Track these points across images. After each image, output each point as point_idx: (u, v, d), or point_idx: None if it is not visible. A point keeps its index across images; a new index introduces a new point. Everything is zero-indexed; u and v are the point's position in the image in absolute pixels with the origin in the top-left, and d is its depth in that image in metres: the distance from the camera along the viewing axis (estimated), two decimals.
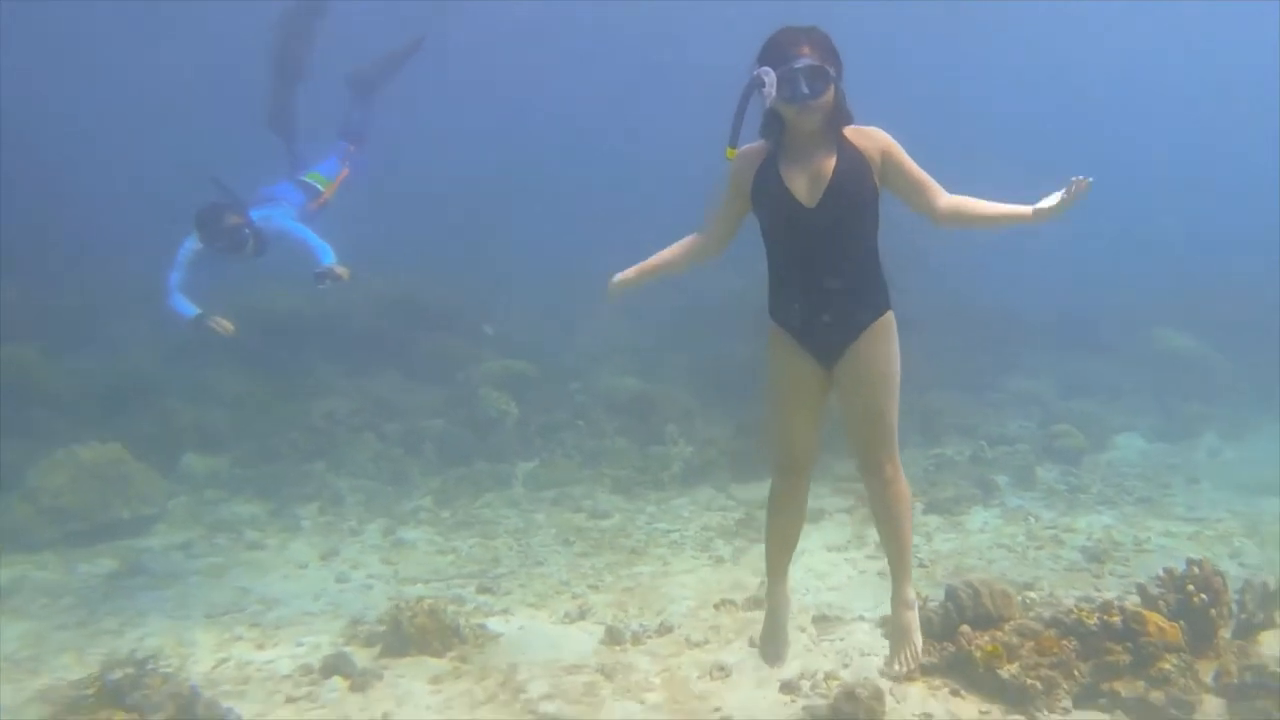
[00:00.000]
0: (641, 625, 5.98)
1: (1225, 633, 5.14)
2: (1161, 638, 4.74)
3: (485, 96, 33.53)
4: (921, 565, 7.10)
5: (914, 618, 4.16)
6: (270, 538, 8.52)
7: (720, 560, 7.44)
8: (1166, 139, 32.44)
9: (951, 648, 5.05)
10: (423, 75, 10.79)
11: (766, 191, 3.69)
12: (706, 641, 5.71)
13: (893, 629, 4.22)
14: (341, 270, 6.96)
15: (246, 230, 7.09)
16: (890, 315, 3.78)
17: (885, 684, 4.91)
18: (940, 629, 5.22)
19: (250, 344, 10.99)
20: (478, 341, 13.92)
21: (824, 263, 3.68)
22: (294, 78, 8.64)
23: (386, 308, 13.90)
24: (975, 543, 7.78)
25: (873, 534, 7.84)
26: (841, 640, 5.64)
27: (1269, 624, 5.25)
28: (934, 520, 8.35)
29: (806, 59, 3.45)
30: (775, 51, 3.50)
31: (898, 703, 4.78)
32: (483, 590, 6.82)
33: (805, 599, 6.40)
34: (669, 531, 8.31)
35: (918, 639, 4.15)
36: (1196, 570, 5.15)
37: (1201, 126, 33.27)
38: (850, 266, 3.71)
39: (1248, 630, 5.23)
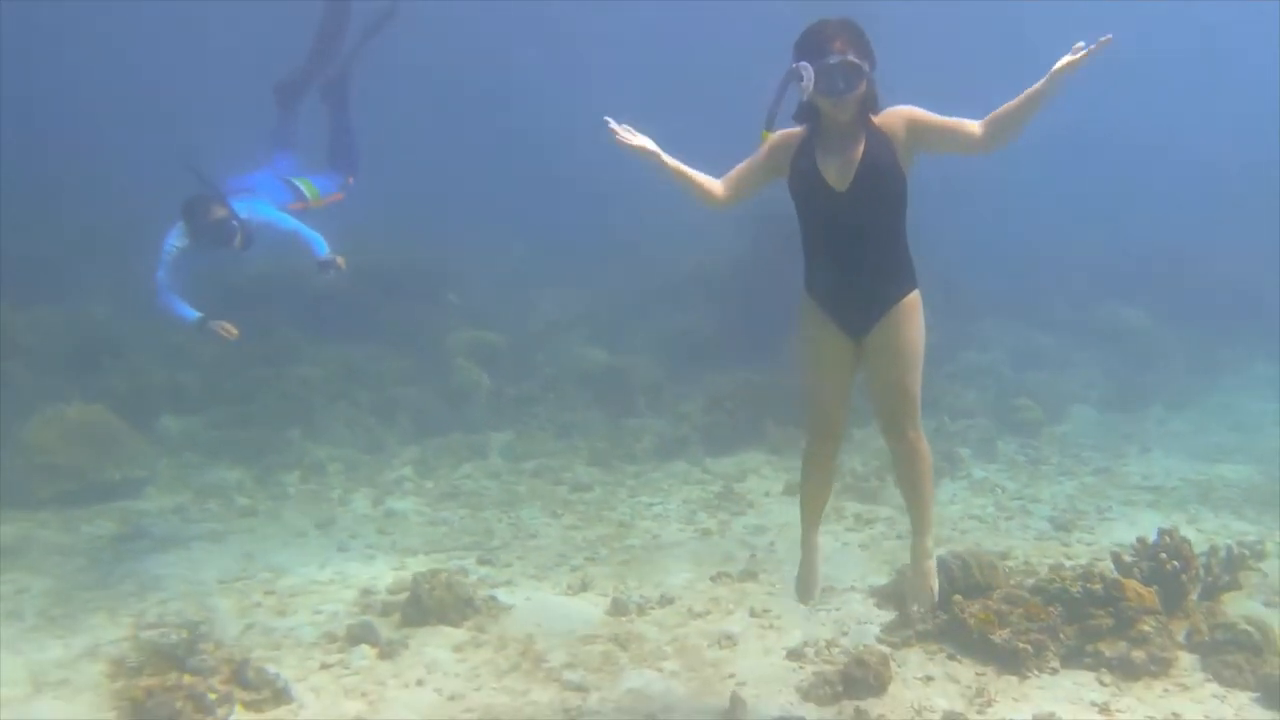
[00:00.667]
0: (643, 597, 6.28)
1: (1194, 595, 5.60)
2: (1140, 602, 5.17)
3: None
4: (900, 538, 7.49)
5: (932, 565, 4.56)
6: (260, 504, 8.72)
7: (708, 532, 7.77)
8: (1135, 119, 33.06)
9: (946, 616, 5.44)
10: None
11: (802, 175, 3.98)
12: (708, 612, 6.04)
13: (913, 574, 4.61)
14: (340, 259, 6.99)
15: (234, 222, 6.86)
16: (916, 294, 4.09)
17: (888, 649, 5.28)
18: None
19: (218, 307, 11.12)
20: (445, 310, 14.10)
21: (853, 242, 3.98)
22: (326, 59, 8.26)
23: (354, 274, 13.92)
24: (947, 514, 8.20)
25: (850, 507, 8.33)
26: (838, 610, 6.00)
27: (1232, 586, 5.72)
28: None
29: (842, 55, 3.72)
30: (813, 46, 3.76)
31: (899, 667, 5.14)
32: (483, 562, 7.07)
33: (794, 571, 6.70)
34: (652, 505, 8.63)
35: (935, 584, 4.56)
36: (1168, 539, 5.59)
37: (1165, 108, 33.91)
38: (877, 246, 4.00)
39: (1213, 592, 5.70)
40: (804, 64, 3.74)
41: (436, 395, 11.50)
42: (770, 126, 3.99)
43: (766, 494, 8.87)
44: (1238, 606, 5.69)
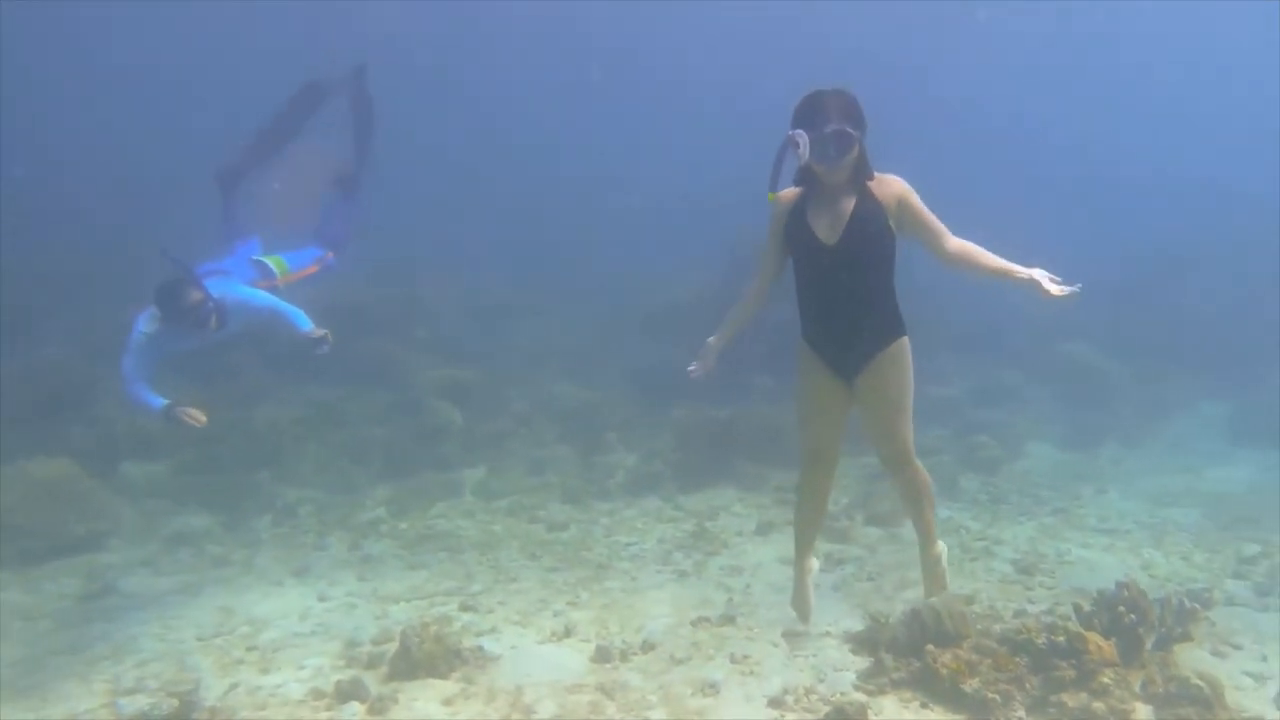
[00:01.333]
0: (625, 642, 6.52)
1: (1149, 646, 5.96)
2: (1100, 655, 5.51)
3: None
4: (871, 579, 7.82)
5: (943, 567, 5.18)
6: (233, 552, 8.83)
7: (684, 574, 8.02)
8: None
9: (919, 664, 5.76)
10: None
11: (796, 232, 4.38)
12: (690, 658, 6.29)
13: (926, 571, 5.22)
14: (326, 333, 6.93)
15: (210, 305, 6.69)
16: (904, 341, 4.48)
17: (865, 698, 5.58)
18: (906, 646, 5.94)
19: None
20: (415, 345, 14.29)
21: (842, 293, 4.37)
22: (266, 153, 8.18)
23: (321, 310, 14.07)
24: (914, 554, 8.48)
25: (821, 546, 8.55)
26: (814, 656, 6.28)
27: (1185, 637, 6.09)
28: (874, 532, 9.07)
29: (836, 125, 4.10)
30: (808, 115, 4.14)
31: (876, 715, 5.44)
32: (466, 608, 7.26)
33: (770, 614, 7.03)
34: (628, 544, 8.87)
35: (945, 575, 5.20)
36: (1126, 593, 5.95)
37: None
38: (865, 298, 4.39)
39: (1166, 643, 6.06)
40: (799, 132, 4.11)
41: (408, 434, 11.66)
42: (774, 188, 4.33)
43: (739, 533, 9.14)
44: (1189, 656, 6.06)
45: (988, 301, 18.20)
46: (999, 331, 16.23)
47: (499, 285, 18.82)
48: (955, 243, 4.39)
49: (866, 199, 4.30)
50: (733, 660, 6.24)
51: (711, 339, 4.91)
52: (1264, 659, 6.33)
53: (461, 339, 15.12)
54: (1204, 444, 13.00)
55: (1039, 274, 4.25)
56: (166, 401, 6.76)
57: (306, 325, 6.93)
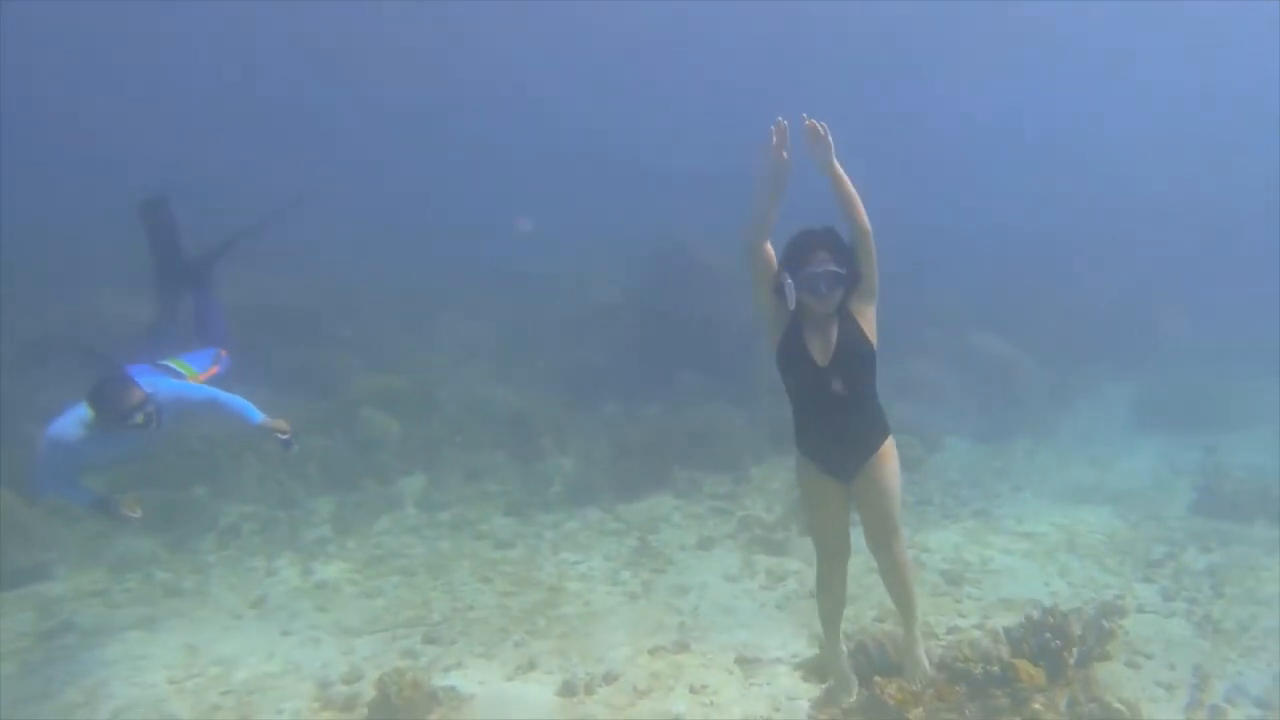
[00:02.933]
0: (588, 674, 6.97)
1: (1072, 663, 6.62)
2: (1031, 682, 6.12)
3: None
4: (812, 596, 8.36)
5: (920, 651, 5.80)
6: (183, 579, 9.02)
7: (634, 596, 8.48)
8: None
9: (866, 694, 6.32)
10: None
11: (791, 352, 4.93)
12: (651, 690, 6.76)
13: (906, 661, 5.88)
14: (282, 422, 6.88)
15: (151, 405, 6.36)
16: (891, 439, 5.13)
17: None
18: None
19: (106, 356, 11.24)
20: (340, 349, 14.42)
21: (835, 404, 4.95)
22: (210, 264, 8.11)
23: (244, 316, 14.08)
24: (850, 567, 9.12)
25: (760, 561, 9.20)
26: (768, 685, 6.81)
27: (1103, 656, 6.76)
28: (809, 545, 9.58)
29: (824, 265, 4.71)
30: (797, 256, 4.77)
31: None
32: (429, 640, 7.62)
33: (720, 638, 7.55)
34: (576, 563, 9.29)
35: (925, 663, 5.86)
36: (1051, 619, 6.58)
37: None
38: (855, 406, 4.99)
39: (1087, 660, 6.72)
40: (789, 283, 4.71)
41: (344, 444, 11.87)
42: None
43: (682, 547, 9.63)
44: (1106, 670, 6.75)
45: (900, 295, 19.05)
46: (911, 322, 16.95)
47: (415, 278, 19.01)
48: (861, 231, 4.85)
49: (847, 321, 4.88)
50: (692, 691, 6.73)
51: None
52: (1172, 667, 7.04)
53: (385, 338, 15.23)
54: (1109, 432, 13.96)
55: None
56: (97, 494, 6.62)
57: (257, 416, 6.76)
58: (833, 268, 4.71)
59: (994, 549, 9.45)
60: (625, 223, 19.96)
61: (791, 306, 4.76)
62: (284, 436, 6.83)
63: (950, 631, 7.55)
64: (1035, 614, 6.72)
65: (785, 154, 4.73)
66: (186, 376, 7.29)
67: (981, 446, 13.23)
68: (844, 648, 5.95)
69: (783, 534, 9.79)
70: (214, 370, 7.65)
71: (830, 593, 5.57)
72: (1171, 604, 8.09)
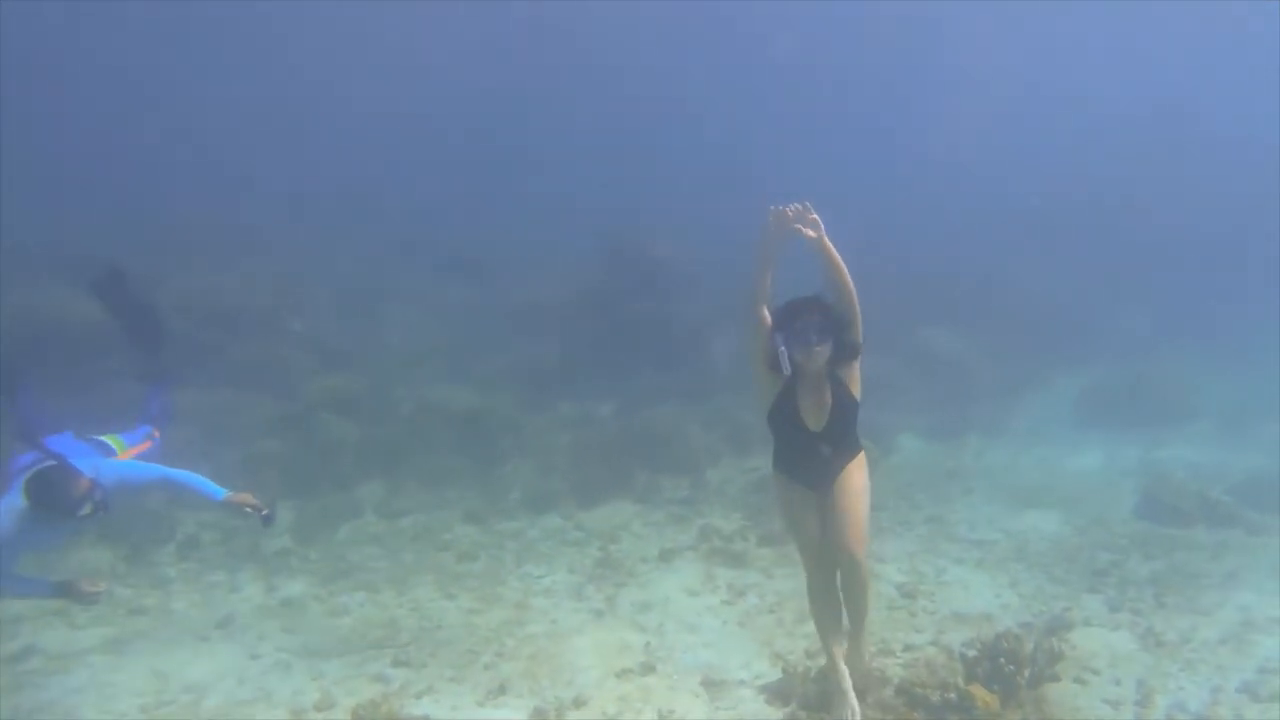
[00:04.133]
0: (558, 698, 7.21)
1: (1024, 684, 6.98)
2: (986, 708, 6.48)
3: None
4: (772, 611, 8.69)
5: (865, 652, 6.30)
6: (145, 595, 9.13)
7: (599, 613, 8.70)
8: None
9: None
10: None
11: (783, 413, 5.45)
12: (621, 715, 7.00)
13: (851, 657, 6.25)
14: (247, 496, 6.53)
15: (99, 492, 6.02)
16: (863, 453, 5.71)
17: None
18: (818, 701, 6.80)
19: (50, 357, 11.28)
20: (293, 344, 14.45)
21: (821, 454, 5.54)
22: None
23: (190, 309, 14.05)
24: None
25: (721, 574, 9.47)
26: (734, 709, 7.08)
27: (1053, 678, 7.14)
28: (768, 554, 9.95)
29: (813, 318, 5.26)
30: (788, 315, 5.32)
31: None
32: (399, 663, 7.79)
33: (685, 658, 7.81)
34: (539, 577, 9.52)
35: (866, 659, 6.38)
36: (1005, 644, 6.93)
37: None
38: (837, 448, 5.57)
39: (1038, 682, 7.10)
40: (782, 350, 5.25)
41: (301, 448, 11.95)
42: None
43: (643, 559, 9.88)
44: (1055, 688, 7.13)
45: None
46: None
47: (367, 267, 19.02)
48: (849, 303, 5.38)
49: (838, 385, 5.41)
50: (660, 716, 6.98)
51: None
52: (1118, 682, 7.40)
53: (338, 333, 15.27)
54: (1057, 429, 14.45)
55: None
56: (58, 580, 6.44)
57: (218, 491, 6.44)
58: (821, 322, 5.21)
59: (947, 558, 9.82)
60: (581, 213, 20.04)
61: (787, 372, 5.24)
62: (262, 512, 6.46)
63: (907, 649, 7.86)
64: (989, 637, 7.08)
65: (782, 236, 5.30)
66: (116, 450, 7.00)
67: (933, 445, 13.63)
68: (844, 668, 6.22)
69: (741, 544, 10.10)
70: (144, 446, 7.37)
71: (824, 602, 5.94)
72: (1117, 615, 8.48)
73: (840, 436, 5.50)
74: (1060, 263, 20.77)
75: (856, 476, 5.61)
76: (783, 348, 5.24)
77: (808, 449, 5.51)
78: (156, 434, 7.63)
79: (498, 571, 9.67)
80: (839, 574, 5.82)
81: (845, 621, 6.26)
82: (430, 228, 21.46)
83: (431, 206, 22.54)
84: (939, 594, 9.00)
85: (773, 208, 5.25)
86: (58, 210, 17.90)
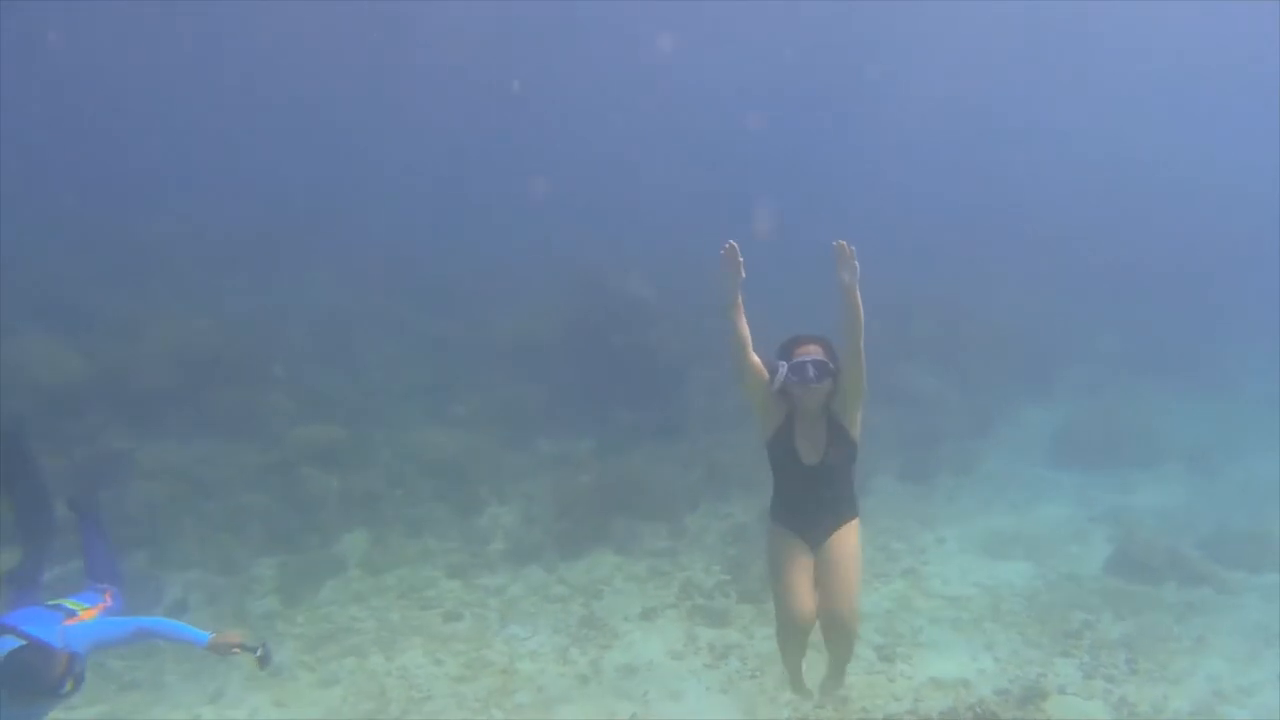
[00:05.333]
0: None
1: None
2: None
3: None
4: (754, 676, 8.93)
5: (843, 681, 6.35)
6: (137, 667, 9.21)
7: (585, 680, 8.93)
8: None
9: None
10: None
11: (782, 447, 5.48)
12: None
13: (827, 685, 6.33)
14: (234, 635, 6.03)
15: (78, 665, 5.64)
16: (857, 520, 5.69)
17: None
18: None
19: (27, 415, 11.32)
20: (272, 388, 14.53)
21: (819, 494, 5.55)
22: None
23: (168, 358, 14.10)
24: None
25: (702, 634, 9.75)
26: None
27: None
28: (748, 611, 10.19)
29: (815, 356, 5.30)
30: (791, 348, 5.39)
31: None
32: None
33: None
34: (524, 639, 9.71)
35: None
36: (982, 715, 7.22)
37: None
38: (836, 493, 5.59)
39: None
40: (782, 369, 5.31)
41: (282, 501, 12.04)
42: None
43: (626, 618, 10.09)
44: None
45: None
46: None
47: (340, 292, 19.10)
48: (857, 352, 5.32)
49: (835, 424, 5.42)
50: None
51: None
52: None
53: (317, 374, 15.33)
54: (1028, 469, 14.79)
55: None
56: None
57: (202, 636, 6.00)
58: (822, 359, 5.27)
59: (923, 617, 10.10)
60: (558, 242, 20.20)
61: (775, 388, 5.30)
62: (255, 652, 6.04)
63: (887, 719, 8.13)
64: (967, 707, 7.37)
65: (737, 270, 5.23)
66: (78, 611, 6.44)
67: (907, 487, 13.91)
68: (807, 683, 6.34)
69: (722, 601, 10.35)
70: (105, 604, 6.84)
71: (793, 649, 5.92)
72: (1091, 683, 8.80)
73: (836, 478, 5.49)
74: (1025, 288, 21.10)
75: (850, 540, 5.58)
76: (783, 368, 5.29)
77: (804, 488, 5.49)
78: (109, 590, 6.95)
79: (483, 633, 9.85)
80: (825, 632, 5.69)
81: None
82: (408, 247, 21.51)
83: (408, 224, 22.53)
84: (916, 657, 9.28)
85: (727, 244, 5.18)
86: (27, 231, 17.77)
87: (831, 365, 5.28)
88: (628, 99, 33.39)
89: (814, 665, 6.22)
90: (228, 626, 9.75)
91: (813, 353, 5.31)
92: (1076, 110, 34.18)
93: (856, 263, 5.09)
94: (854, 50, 35.37)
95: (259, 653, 5.95)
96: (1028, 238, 23.75)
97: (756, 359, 5.45)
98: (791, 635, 5.74)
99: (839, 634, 5.68)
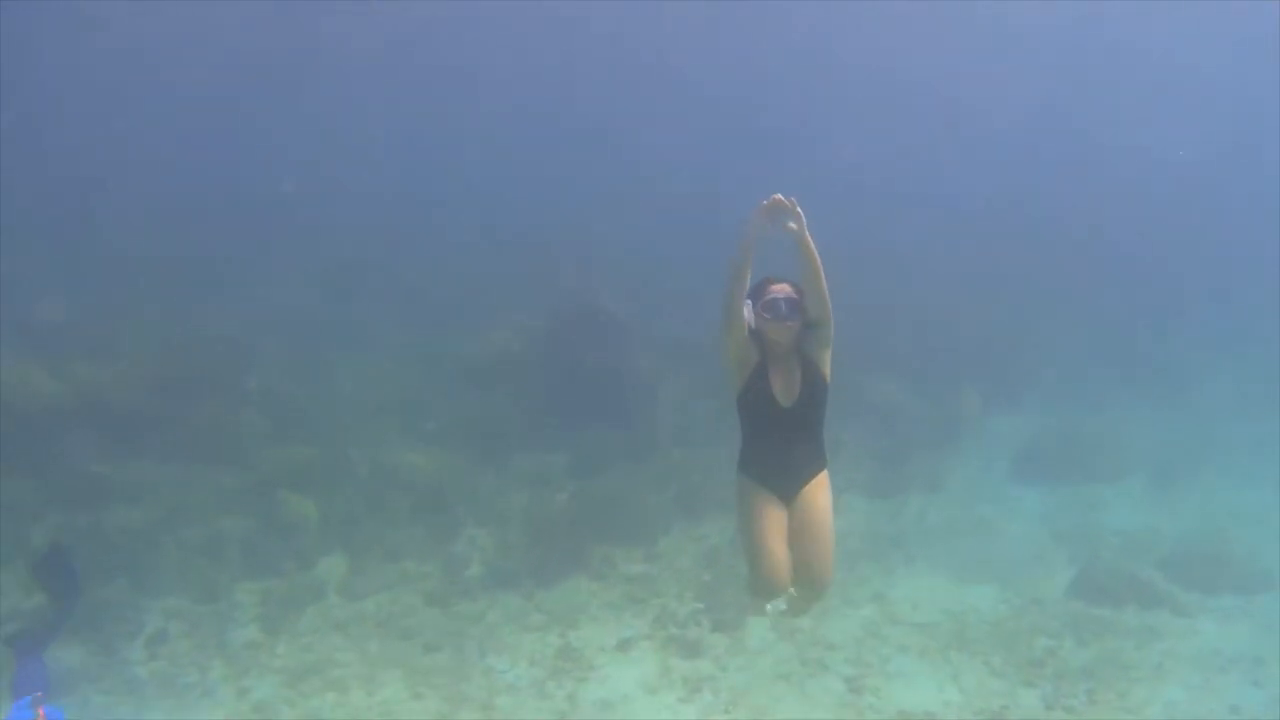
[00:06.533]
0: None
1: None
2: None
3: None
4: (726, 712, 9.23)
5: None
6: (119, 702, 9.40)
7: (562, 715, 9.22)
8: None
9: None
10: None
11: (756, 393, 5.35)
12: None
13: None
14: None
15: None
16: (826, 472, 5.49)
17: None
18: None
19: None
20: (246, 404, 14.66)
21: (790, 438, 5.38)
22: None
23: (142, 380, 14.20)
24: (760, 669, 10.00)
25: (676, 666, 10.03)
26: None
27: None
28: (721, 641, 10.48)
29: (785, 293, 5.24)
30: (761, 288, 5.29)
31: None
32: None
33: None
34: (503, 672, 9.97)
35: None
36: None
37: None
38: (808, 439, 5.42)
39: None
40: (748, 303, 5.24)
41: (261, 526, 12.21)
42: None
43: (601, 649, 10.37)
44: None
45: None
46: None
47: (312, 299, 19.19)
48: (822, 298, 5.26)
49: (808, 363, 5.33)
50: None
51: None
52: None
53: (290, 388, 15.45)
54: (994, 485, 15.17)
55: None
56: None
57: None
58: (792, 295, 5.25)
59: (891, 645, 10.44)
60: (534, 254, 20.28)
61: (752, 324, 5.27)
62: None
63: None
64: None
65: (767, 226, 5.14)
66: None
67: (877, 504, 14.21)
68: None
69: (695, 631, 10.66)
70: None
71: (761, 603, 5.63)
72: (1051, 714, 9.16)
73: (810, 419, 5.37)
74: (992, 294, 21.35)
75: (823, 496, 5.44)
76: (752, 307, 5.26)
77: (778, 433, 5.36)
78: (40, 695, 6.52)
79: (462, 665, 10.10)
80: (798, 581, 5.42)
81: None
82: (379, 254, 21.55)
83: (380, 229, 22.58)
84: (885, 689, 9.62)
85: (772, 196, 5.11)
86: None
87: (799, 308, 5.23)
88: (599, 114, 33.37)
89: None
90: (210, 659, 10.05)
91: (783, 290, 5.28)
92: (1048, 115, 34.37)
93: (799, 210, 5.08)
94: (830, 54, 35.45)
95: None
96: (997, 243, 23.96)
97: (744, 309, 5.33)
98: (764, 595, 5.51)
99: (813, 590, 5.50)
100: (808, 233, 5.12)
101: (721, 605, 11.00)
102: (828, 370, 5.37)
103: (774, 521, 5.35)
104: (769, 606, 5.82)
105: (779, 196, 5.11)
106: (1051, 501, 14.43)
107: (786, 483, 5.39)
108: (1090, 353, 20.21)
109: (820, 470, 5.47)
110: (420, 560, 12.18)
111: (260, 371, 15.69)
